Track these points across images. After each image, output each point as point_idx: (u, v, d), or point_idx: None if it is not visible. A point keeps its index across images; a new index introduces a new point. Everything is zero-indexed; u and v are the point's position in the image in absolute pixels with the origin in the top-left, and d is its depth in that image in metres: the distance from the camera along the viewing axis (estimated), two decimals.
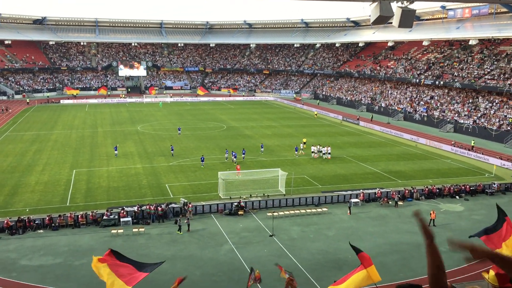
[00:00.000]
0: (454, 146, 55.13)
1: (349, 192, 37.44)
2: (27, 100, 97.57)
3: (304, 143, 54.55)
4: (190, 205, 32.99)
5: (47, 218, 30.50)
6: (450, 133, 66.15)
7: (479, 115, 66.84)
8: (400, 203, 36.06)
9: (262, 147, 53.02)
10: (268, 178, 39.11)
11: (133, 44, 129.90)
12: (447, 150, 54.71)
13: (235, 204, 33.82)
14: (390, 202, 36.02)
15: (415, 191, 37.80)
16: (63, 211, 32.32)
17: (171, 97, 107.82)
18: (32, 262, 25.46)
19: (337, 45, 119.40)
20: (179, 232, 30.14)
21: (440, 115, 72.21)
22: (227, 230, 30.51)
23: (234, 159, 47.60)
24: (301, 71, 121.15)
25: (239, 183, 38.41)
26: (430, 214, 32.00)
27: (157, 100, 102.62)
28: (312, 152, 50.90)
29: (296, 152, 51.71)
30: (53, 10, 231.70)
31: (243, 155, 49.04)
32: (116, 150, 50.11)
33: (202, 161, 46.27)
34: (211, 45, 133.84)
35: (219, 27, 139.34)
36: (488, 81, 70.52)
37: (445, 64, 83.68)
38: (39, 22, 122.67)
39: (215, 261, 26.05)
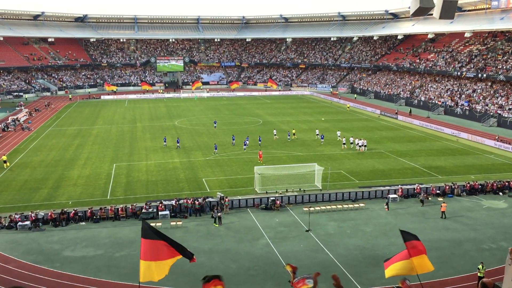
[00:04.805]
0: (498, 140, 53.32)
1: (387, 188, 36.78)
2: (70, 96, 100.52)
3: (294, 134, 56.50)
4: (227, 199, 33.27)
5: (89, 210, 31.45)
6: (493, 128, 63.95)
7: None
8: (440, 199, 35.21)
9: (289, 135, 56.15)
10: (304, 173, 38.97)
11: (170, 40, 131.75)
12: (490, 145, 52.96)
13: (271, 199, 33.84)
14: (430, 198, 35.20)
15: (456, 187, 36.76)
16: (104, 204, 33.25)
17: (207, 92, 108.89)
18: (74, 253, 26.29)
19: (375, 38, 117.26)
20: (215, 224, 30.51)
21: (483, 108, 69.88)
22: (263, 225, 30.59)
23: (233, 143, 51.98)
24: (338, 65, 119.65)
25: (275, 178, 38.40)
26: (441, 206, 32.05)
27: (193, 95, 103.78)
28: (351, 143, 51.62)
29: (289, 137, 55.79)
30: (94, 8, 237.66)
31: (259, 142, 52.82)
32: (165, 141, 53.00)
33: (216, 149, 49.16)
34: (247, 40, 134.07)
35: (255, 22, 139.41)
36: None
37: (488, 56, 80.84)
38: (81, 20, 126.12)
39: (251, 255, 26.18)
